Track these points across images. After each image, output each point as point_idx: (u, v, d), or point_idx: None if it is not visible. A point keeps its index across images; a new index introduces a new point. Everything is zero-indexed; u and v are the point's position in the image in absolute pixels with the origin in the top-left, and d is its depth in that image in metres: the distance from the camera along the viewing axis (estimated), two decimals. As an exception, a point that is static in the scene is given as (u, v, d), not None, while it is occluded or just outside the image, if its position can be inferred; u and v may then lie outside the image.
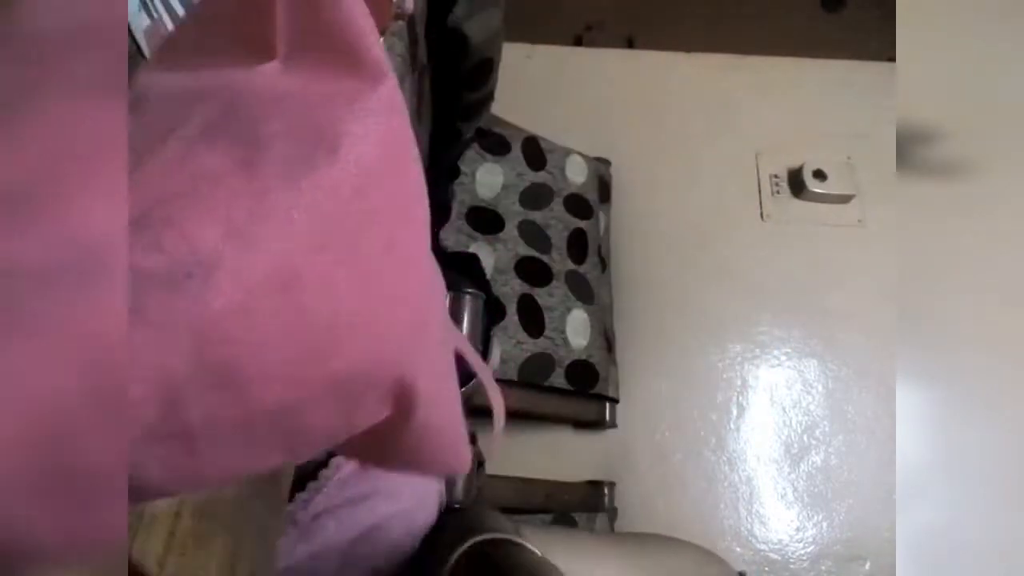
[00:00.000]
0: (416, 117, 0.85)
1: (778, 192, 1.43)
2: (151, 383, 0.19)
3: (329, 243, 0.21)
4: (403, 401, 0.26)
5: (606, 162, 1.39)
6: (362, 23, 0.23)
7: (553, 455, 1.17)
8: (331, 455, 0.54)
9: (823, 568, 1.15)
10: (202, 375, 0.20)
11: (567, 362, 1.08)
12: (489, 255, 1.11)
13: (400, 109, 0.24)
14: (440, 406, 0.28)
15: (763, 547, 1.16)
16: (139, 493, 0.21)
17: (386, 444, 0.28)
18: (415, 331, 0.26)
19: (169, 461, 0.20)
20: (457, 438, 0.31)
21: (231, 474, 0.24)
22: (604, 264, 1.25)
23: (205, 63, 0.23)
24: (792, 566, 1.15)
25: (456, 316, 0.85)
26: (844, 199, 1.41)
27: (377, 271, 0.23)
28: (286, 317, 0.20)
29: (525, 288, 1.10)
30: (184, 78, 0.23)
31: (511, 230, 1.15)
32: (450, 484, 0.69)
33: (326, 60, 0.23)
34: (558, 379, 1.08)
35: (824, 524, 1.18)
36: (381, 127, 0.22)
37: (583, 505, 1.11)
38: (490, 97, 1.10)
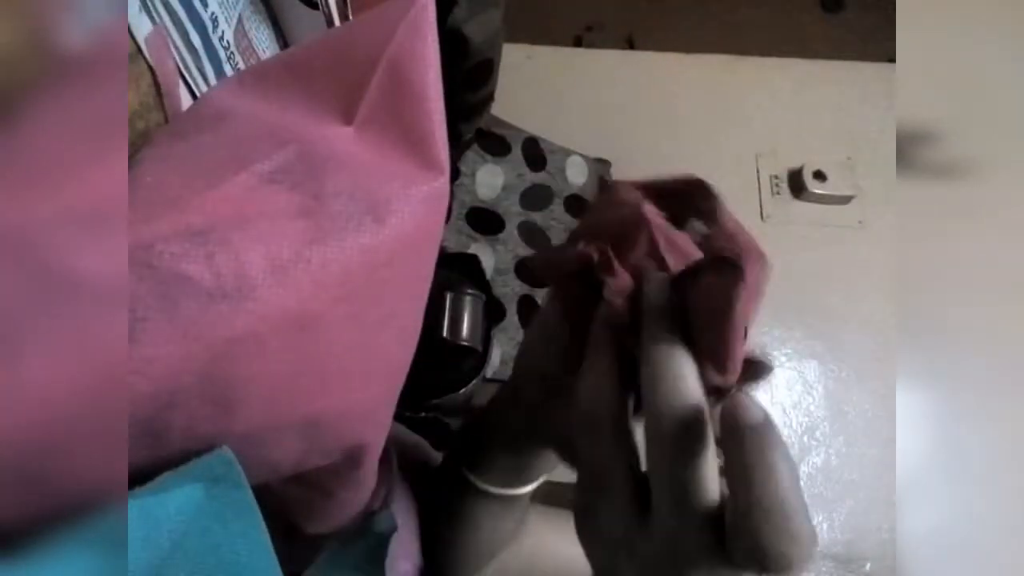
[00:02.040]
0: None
1: (778, 193, 1.43)
2: (158, 382, 0.20)
3: (349, 298, 0.23)
4: (354, 454, 0.28)
5: (606, 163, 1.39)
6: (438, 126, 0.26)
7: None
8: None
9: (824, 569, 1.15)
10: (201, 387, 0.21)
11: (567, 363, 1.08)
12: (489, 256, 1.11)
13: (443, 206, 0.26)
14: (372, 469, 0.30)
15: (763, 548, 1.16)
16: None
17: (311, 488, 0.29)
18: (387, 396, 0.28)
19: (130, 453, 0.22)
20: (361, 502, 0.33)
21: None
22: (604, 265, 1.24)
23: (289, 106, 0.26)
24: (792, 567, 1.15)
25: (456, 317, 0.84)
26: (844, 200, 1.41)
27: (376, 334, 0.25)
28: (292, 354, 0.23)
29: (525, 289, 1.10)
30: (267, 113, 0.26)
31: (511, 231, 1.15)
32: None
33: (397, 142, 0.25)
34: (558, 380, 1.07)
35: (824, 525, 1.18)
36: (423, 214, 0.25)
37: (583, 506, 1.11)
38: (490, 98, 1.10)
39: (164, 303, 0.20)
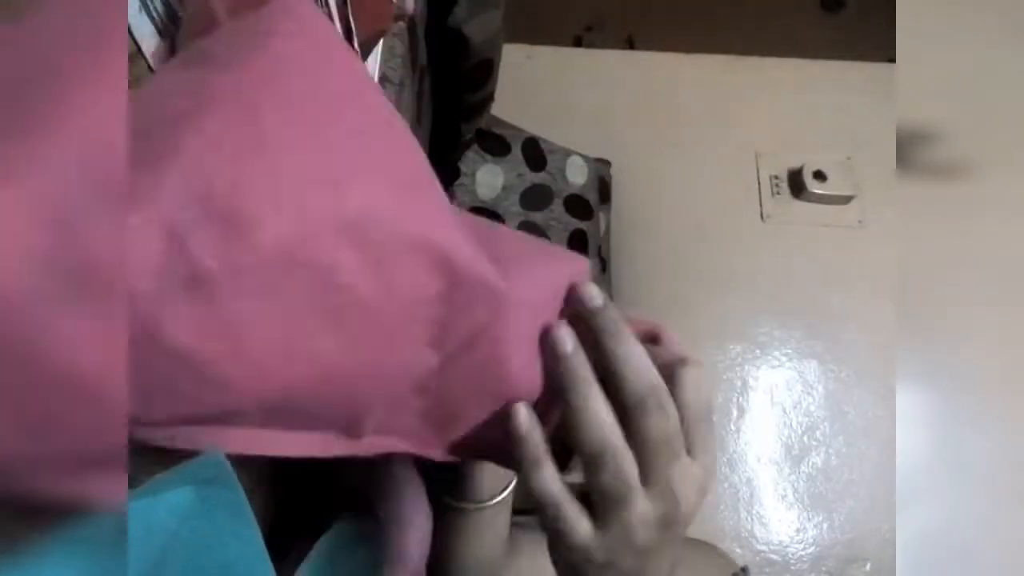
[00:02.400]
0: (416, 118, 0.85)
1: (778, 193, 1.43)
2: (151, 219, 0.19)
3: (287, 107, 0.23)
4: (445, 268, 0.24)
5: (606, 163, 1.39)
6: None
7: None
8: None
9: (824, 569, 1.15)
10: (206, 220, 0.20)
11: (567, 363, 1.08)
12: (489, 256, 1.11)
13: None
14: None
15: (763, 548, 1.16)
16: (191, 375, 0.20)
17: (471, 345, 0.26)
18: (415, 190, 0.25)
19: (193, 316, 0.20)
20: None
21: (273, 346, 0.22)
22: (604, 265, 1.25)
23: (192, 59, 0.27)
24: (793, 567, 1.15)
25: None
26: (844, 200, 1.41)
27: (333, 136, 0.24)
28: (272, 171, 0.21)
29: (525, 289, 1.10)
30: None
31: (511, 231, 1.15)
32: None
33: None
34: (558, 380, 1.07)
35: (825, 525, 1.18)
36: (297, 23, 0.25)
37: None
38: (490, 98, 1.10)
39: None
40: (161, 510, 0.23)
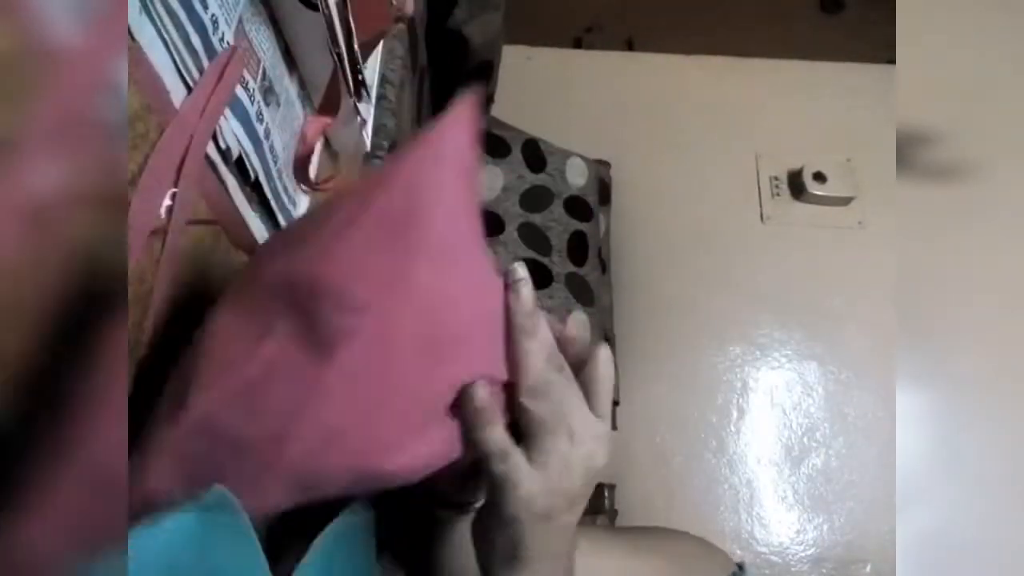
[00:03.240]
0: (416, 118, 0.85)
1: (778, 194, 1.44)
2: None
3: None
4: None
5: (606, 164, 1.39)
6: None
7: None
8: None
9: (824, 570, 1.15)
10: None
11: (567, 364, 1.08)
12: (489, 257, 1.11)
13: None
14: None
15: (763, 550, 1.16)
16: None
17: None
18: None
19: None
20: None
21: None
22: (604, 266, 1.25)
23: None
24: (793, 569, 1.15)
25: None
26: (844, 201, 1.41)
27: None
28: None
29: (525, 290, 1.10)
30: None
31: (511, 232, 1.15)
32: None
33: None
34: (558, 381, 1.07)
35: (825, 526, 1.18)
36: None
37: (583, 507, 1.11)
38: (490, 99, 1.10)
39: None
40: (160, 538, 0.23)
